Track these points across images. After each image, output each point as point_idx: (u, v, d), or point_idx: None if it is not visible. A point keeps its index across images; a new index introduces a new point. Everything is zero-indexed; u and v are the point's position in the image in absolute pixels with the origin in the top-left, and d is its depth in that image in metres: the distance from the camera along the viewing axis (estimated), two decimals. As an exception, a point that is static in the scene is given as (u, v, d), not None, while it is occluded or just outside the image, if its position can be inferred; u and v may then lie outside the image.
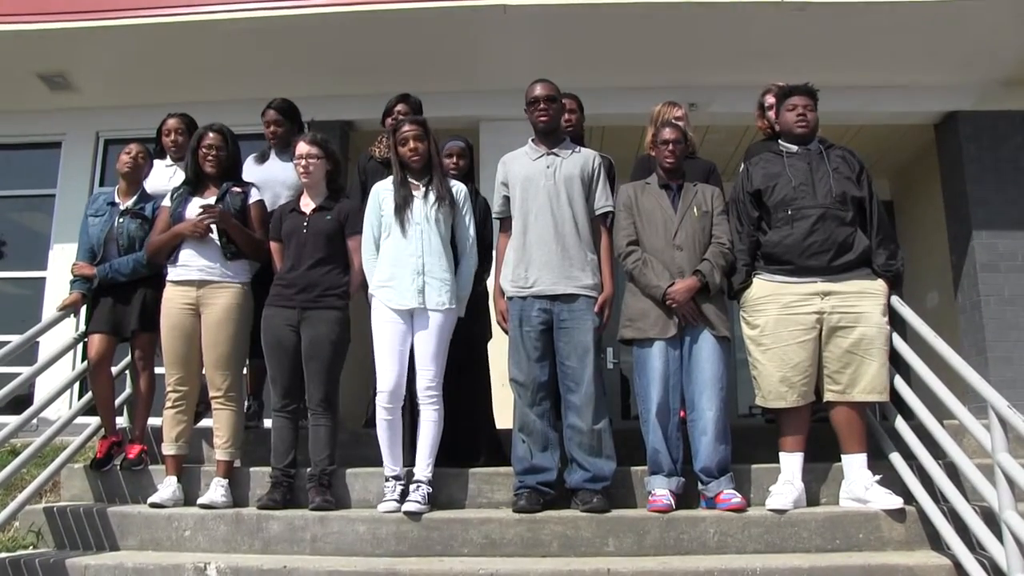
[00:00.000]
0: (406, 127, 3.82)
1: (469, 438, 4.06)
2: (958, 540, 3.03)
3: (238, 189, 4.14)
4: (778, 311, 3.61)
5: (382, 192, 3.85)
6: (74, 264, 4.26)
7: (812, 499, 3.58)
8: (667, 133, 3.87)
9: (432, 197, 3.75)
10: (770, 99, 4.29)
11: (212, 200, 4.04)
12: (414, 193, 3.77)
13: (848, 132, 7.03)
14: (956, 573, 3.01)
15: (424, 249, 3.70)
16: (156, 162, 4.62)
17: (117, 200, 4.32)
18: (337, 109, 6.80)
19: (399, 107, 4.40)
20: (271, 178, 4.52)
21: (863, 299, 3.57)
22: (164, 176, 4.58)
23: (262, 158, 4.68)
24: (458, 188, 3.89)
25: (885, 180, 8.26)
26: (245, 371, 4.33)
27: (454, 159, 4.24)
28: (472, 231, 3.88)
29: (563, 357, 3.62)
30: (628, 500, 3.67)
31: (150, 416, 4.26)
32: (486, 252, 4.13)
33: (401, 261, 3.71)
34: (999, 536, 2.83)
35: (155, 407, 4.21)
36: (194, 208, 4.02)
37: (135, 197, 4.30)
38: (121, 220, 4.23)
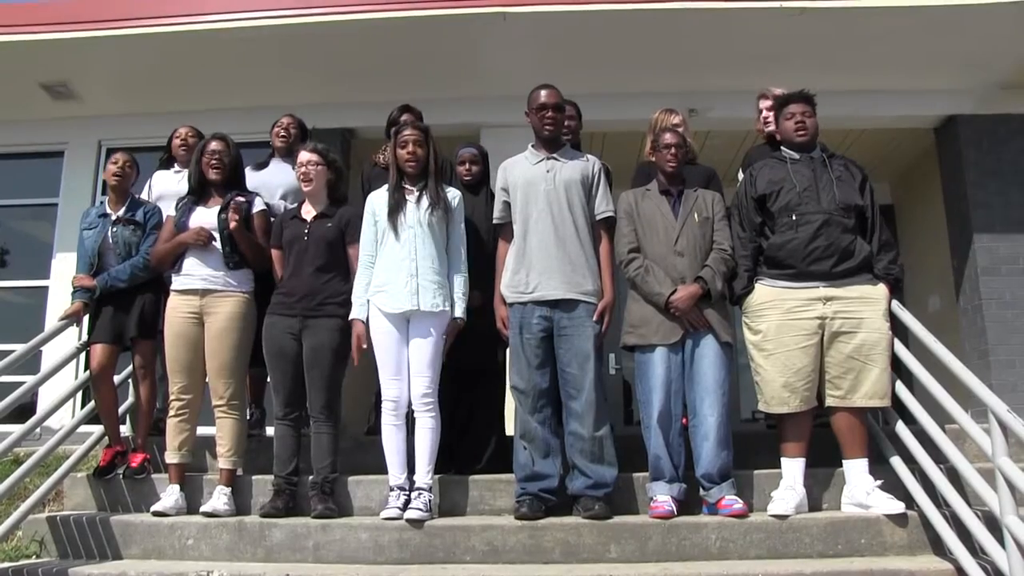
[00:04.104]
0: (408, 131, 3.84)
1: (477, 445, 4.07)
2: (960, 545, 3.03)
3: (242, 198, 4.15)
4: (780, 316, 3.62)
5: (376, 200, 3.87)
6: (74, 277, 4.28)
7: (814, 504, 3.59)
8: (668, 137, 3.88)
9: (425, 202, 3.76)
10: (764, 103, 4.30)
11: (216, 209, 4.06)
12: (407, 197, 3.78)
13: (849, 136, 7.05)
14: (958, 578, 3.01)
15: (417, 253, 3.70)
16: (162, 171, 4.78)
17: (108, 211, 4.35)
18: (338, 117, 6.84)
19: (404, 116, 4.42)
20: (268, 182, 4.60)
21: (865, 305, 3.57)
22: (173, 180, 4.71)
23: (260, 166, 4.75)
24: (453, 195, 3.89)
25: (886, 184, 8.28)
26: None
27: (467, 166, 4.26)
28: (463, 242, 3.86)
29: (564, 364, 3.62)
30: (630, 506, 3.68)
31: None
32: None
33: (395, 265, 3.71)
34: (1001, 540, 2.82)
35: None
36: (198, 217, 4.04)
37: (125, 205, 4.33)
38: (114, 229, 4.26)
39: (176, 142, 4.83)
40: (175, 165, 4.83)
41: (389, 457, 3.64)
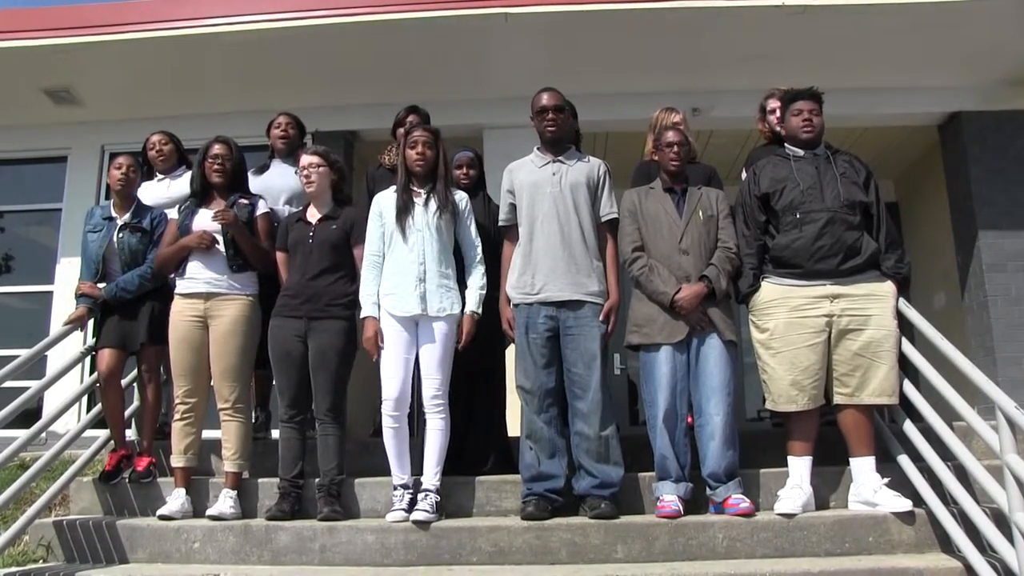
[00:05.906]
0: (418, 132, 3.84)
1: (479, 445, 4.07)
2: (968, 542, 3.03)
3: (245, 201, 4.15)
4: (787, 314, 3.60)
5: (383, 201, 3.86)
6: (79, 284, 4.26)
7: (821, 503, 3.57)
8: (671, 135, 3.87)
9: (433, 205, 3.76)
10: (773, 103, 4.28)
11: (219, 211, 4.06)
12: (415, 200, 3.78)
13: (852, 134, 7.04)
14: (967, 575, 2.99)
15: (426, 256, 3.71)
16: (146, 183, 4.70)
17: (114, 214, 4.34)
18: (341, 119, 6.84)
19: (410, 117, 4.42)
20: (269, 186, 4.57)
21: (872, 302, 3.56)
22: (160, 189, 4.68)
23: (260, 170, 4.72)
24: (460, 197, 3.89)
25: (890, 182, 8.27)
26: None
27: (464, 169, 4.25)
28: (477, 240, 3.88)
29: (570, 364, 3.62)
30: (636, 506, 3.67)
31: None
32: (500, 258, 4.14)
33: (403, 268, 3.71)
34: (1010, 538, 2.82)
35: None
36: (201, 220, 4.04)
37: (131, 210, 4.32)
38: (120, 235, 4.25)
39: (151, 152, 4.76)
40: (156, 174, 4.78)
41: (391, 456, 3.64)
